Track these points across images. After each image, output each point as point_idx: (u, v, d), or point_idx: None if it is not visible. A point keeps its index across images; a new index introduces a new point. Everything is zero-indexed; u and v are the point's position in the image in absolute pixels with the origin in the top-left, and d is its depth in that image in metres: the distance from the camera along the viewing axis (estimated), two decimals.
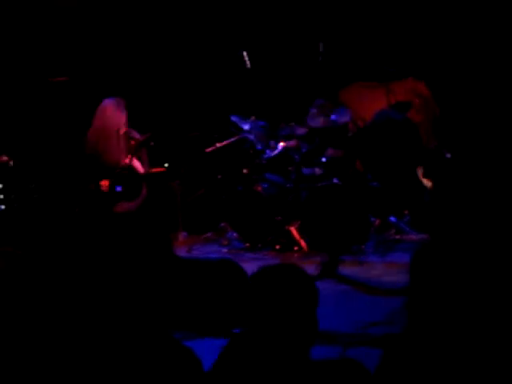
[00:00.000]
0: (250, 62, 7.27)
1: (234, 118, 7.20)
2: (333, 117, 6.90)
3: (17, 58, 7.38)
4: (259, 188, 6.99)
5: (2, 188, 5.85)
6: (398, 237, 6.68)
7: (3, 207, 5.82)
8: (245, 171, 7.16)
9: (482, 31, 7.50)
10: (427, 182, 6.73)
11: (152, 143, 6.50)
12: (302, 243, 6.67)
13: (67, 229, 5.17)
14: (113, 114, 6.20)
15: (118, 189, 6.07)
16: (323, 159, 6.94)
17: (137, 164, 6.36)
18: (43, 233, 5.27)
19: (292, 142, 7.03)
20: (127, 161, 6.24)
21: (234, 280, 4.42)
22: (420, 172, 6.61)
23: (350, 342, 3.98)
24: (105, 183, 6.10)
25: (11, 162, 6.04)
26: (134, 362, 2.09)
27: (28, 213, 5.82)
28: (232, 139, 7.28)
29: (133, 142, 6.32)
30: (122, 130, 6.17)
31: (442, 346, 2.09)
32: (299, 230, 6.73)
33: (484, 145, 6.95)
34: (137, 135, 6.40)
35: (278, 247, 6.76)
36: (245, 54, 7.23)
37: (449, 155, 7.09)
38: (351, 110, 7.18)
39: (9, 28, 7.40)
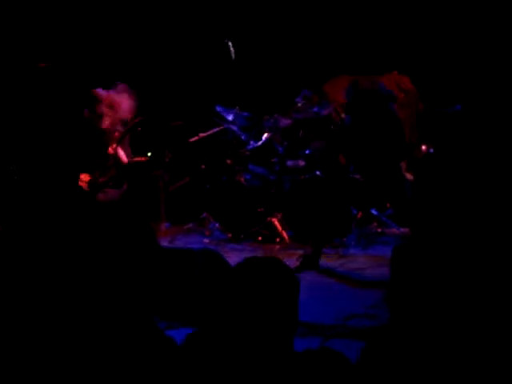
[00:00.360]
0: (235, 52, 7.25)
1: (218, 108, 7.18)
2: (315, 109, 6.90)
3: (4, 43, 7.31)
4: (242, 179, 6.99)
5: None
6: (379, 230, 6.71)
7: None
8: (228, 162, 7.16)
9: (467, 27, 7.53)
10: (409, 176, 6.76)
11: (139, 128, 6.47)
12: (284, 235, 6.68)
13: (48, 216, 5.13)
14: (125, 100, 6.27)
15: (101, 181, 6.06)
16: (307, 151, 6.95)
17: (121, 153, 6.34)
18: (24, 217, 5.23)
19: (275, 134, 7.03)
20: (111, 150, 6.22)
21: (216, 270, 4.42)
22: (403, 166, 6.64)
23: (330, 334, 4.00)
24: (84, 177, 6.07)
25: None
26: (118, 351, 2.09)
27: (8, 195, 5.76)
28: (215, 129, 7.27)
29: (117, 134, 6.30)
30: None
31: (422, 339, 2.10)
32: (281, 222, 6.74)
33: (468, 140, 6.99)
34: (120, 128, 6.38)
35: (260, 238, 6.77)
36: (230, 43, 7.21)
37: (432, 150, 7.13)
38: (335, 103, 7.18)
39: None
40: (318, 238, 5.77)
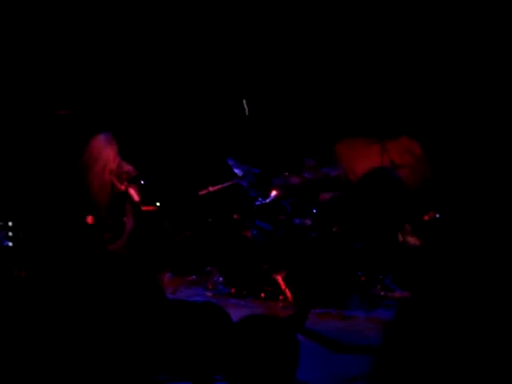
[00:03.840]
0: (249, 110, 7.38)
1: (230, 162, 7.26)
2: (325, 169, 7.01)
3: (20, 91, 7.47)
4: (248, 234, 7.02)
5: (12, 226, 5.85)
6: (382, 293, 6.69)
7: (11, 244, 5.80)
8: (235, 216, 7.21)
9: (473, 94, 7.63)
10: (414, 240, 6.78)
11: (142, 182, 6.54)
12: (287, 293, 6.67)
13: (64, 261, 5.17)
14: (100, 151, 6.32)
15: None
16: (314, 210, 7.00)
17: (132, 192, 6.39)
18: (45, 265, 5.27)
19: (284, 192, 7.10)
20: (123, 187, 6.28)
21: (218, 324, 4.41)
22: (407, 229, 6.67)
23: None
24: (90, 220, 6.13)
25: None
26: None
27: (34, 250, 5.79)
28: (225, 184, 7.34)
29: (124, 176, 6.36)
30: (109, 166, 6.28)
31: None
32: (285, 280, 6.73)
33: (475, 206, 7.02)
34: (130, 168, 6.44)
35: (263, 295, 6.76)
36: (244, 101, 7.35)
37: (438, 215, 7.17)
38: (345, 163, 7.28)
39: (13, 62, 7.50)
40: (316, 299, 5.76)
